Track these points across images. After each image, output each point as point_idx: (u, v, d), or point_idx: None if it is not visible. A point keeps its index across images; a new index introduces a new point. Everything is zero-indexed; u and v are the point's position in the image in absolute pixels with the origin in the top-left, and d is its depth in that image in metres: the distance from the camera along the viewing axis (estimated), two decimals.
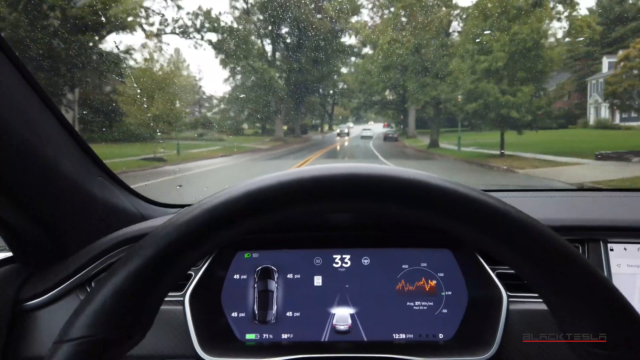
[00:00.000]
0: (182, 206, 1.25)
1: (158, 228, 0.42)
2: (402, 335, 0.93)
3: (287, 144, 19.60)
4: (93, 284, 0.93)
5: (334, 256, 0.98)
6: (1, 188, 0.74)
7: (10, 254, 0.93)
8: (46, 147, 0.79)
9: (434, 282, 0.96)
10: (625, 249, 0.95)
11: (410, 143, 18.80)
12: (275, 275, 0.97)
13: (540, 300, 0.45)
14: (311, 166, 0.45)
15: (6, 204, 0.78)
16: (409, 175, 0.43)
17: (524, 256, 0.42)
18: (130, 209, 1.08)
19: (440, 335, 0.93)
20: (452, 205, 0.42)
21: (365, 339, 0.93)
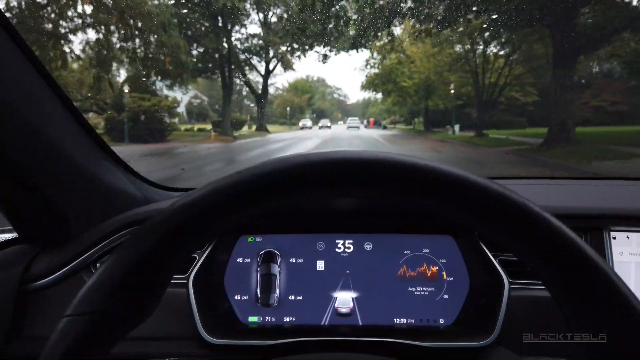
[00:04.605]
0: (187, 189, 1.25)
1: (169, 206, 0.42)
2: (403, 320, 0.94)
3: None
4: (98, 265, 0.94)
5: (337, 241, 0.99)
6: (6, 168, 0.74)
7: (16, 235, 0.94)
8: (51, 128, 0.79)
9: (436, 268, 0.96)
10: (627, 237, 0.95)
11: None
12: (278, 259, 0.97)
13: (542, 287, 0.44)
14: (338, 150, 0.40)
15: (11, 184, 0.78)
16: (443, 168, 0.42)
17: (528, 244, 0.41)
18: (135, 192, 1.08)
19: (441, 321, 0.94)
20: (448, 189, 0.41)
21: (367, 323, 0.94)
